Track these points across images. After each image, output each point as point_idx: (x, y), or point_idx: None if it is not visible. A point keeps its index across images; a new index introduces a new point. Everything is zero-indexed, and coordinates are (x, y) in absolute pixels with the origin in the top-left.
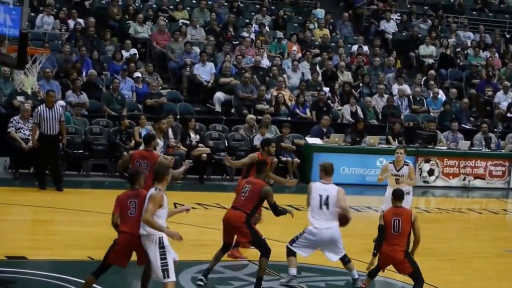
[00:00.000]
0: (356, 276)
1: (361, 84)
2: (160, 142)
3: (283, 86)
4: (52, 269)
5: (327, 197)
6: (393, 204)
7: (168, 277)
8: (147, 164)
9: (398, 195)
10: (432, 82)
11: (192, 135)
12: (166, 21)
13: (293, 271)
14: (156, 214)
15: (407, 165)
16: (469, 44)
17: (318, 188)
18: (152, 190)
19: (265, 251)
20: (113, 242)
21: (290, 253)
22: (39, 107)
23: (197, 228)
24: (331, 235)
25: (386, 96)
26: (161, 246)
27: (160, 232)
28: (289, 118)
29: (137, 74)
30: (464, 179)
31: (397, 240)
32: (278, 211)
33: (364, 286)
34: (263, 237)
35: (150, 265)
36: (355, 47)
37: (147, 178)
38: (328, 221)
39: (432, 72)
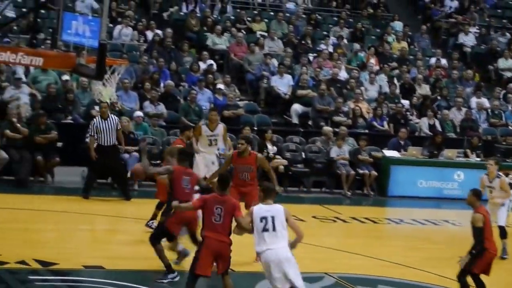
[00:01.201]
0: None
1: (439, 97)
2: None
3: (361, 98)
4: (130, 279)
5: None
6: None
7: None
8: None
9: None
10: (510, 95)
11: (269, 146)
12: (244, 32)
13: None
14: None
15: (499, 177)
16: None
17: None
18: (282, 207)
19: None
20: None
21: None
22: (94, 119)
23: None
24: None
25: (464, 109)
26: None
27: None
28: (366, 131)
29: (219, 85)
30: None
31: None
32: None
33: None
34: None
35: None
36: (433, 60)
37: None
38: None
39: (511, 85)
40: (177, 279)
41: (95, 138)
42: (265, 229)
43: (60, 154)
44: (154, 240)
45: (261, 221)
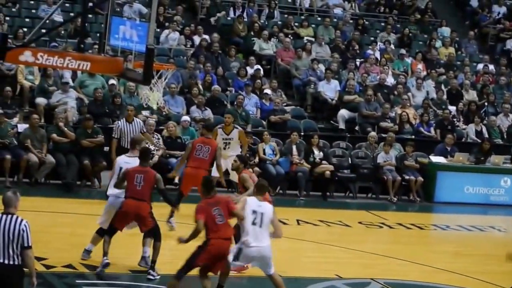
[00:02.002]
0: None
1: (486, 103)
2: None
3: (408, 104)
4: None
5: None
6: None
7: None
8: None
9: None
10: None
11: (316, 152)
12: (291, 38)
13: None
14: None
15: None
16: None
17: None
18: (270, 206)
19: (159, 236)
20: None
21: None
22: (119, 122)
23: (318, 245)
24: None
25: (511, 115)
26: None
27: None
28: (413, 136)
29: (266, 90)
30: None
31: None
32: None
33: None
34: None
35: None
36: (480, 66)
37: None
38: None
39: None
40: None
41: (118, 141)
42: (254, 223)
43: (106, 158)
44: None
45: (252, 213)
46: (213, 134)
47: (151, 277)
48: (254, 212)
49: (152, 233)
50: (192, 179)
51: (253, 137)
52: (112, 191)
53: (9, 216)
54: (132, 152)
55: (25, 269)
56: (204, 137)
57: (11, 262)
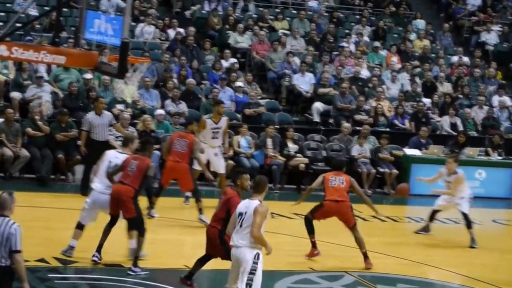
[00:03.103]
0: None
1: (460, 96)
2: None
3: (382, 96)
4: (149, 277)
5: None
6: None
7: None
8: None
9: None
10: None
11: (290, 145)
12: (266, 31)
13: None
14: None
15: (456, 173)
16: None
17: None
18: (256, 204)
19: (143, 230)
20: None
21: None
22: (88, 115)
23: (293, 238)
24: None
25: (486, 107)
26: (255, 262)
27: (261, 246)
28: (387, 129)
29: (239, 83)
30: None
31: None
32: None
33: None
34: (143, 217)
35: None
36: (455, 58)
37: None
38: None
39: None
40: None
41: (88, 133)
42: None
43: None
44: None
45: (238, 216)
46: (200, 124)
47: (131, 273)
48: (240, 214)
49: (136, 225)
50: (172, 172)
51: (228, 130)
52: (96, 185)
53: (1, 218)
54: (123, 149)
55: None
56: (182, 132)
57: (2, 264)
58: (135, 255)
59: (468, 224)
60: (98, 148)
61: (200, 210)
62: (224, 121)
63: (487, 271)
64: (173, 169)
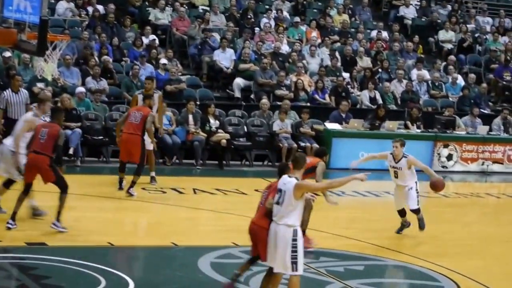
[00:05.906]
0: None
1: (380, 70)
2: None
3: (302, 71)
4: (72, 255)
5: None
6: None
7: (296, 270)
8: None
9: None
10: (451, 67)
11: (212, 121)
12: (186, 7)
13: None
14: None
15: (406, 157)
16: (488, 29)
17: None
18: (294, 182)
19: (66, 188)
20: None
21: None
22: (5, 92)
23: (216, 214)
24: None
25: (405, 81)
26: (295, 239)
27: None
28: (308, 104)
29: (162, 60)
30: (482, 164)
31: None
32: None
33: None
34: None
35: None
36: (374, 33)
37: None
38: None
39: (451, 57)
40: None
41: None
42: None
43: None
44: None
45: (277, 192)
46: (132, 100)
47: (54, 226)
48: (279, 191)
49: (59, 186)
50: (126, 144)
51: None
52: (7, 140)
53: None
54: (36, 110)
55: None
56: (140, 106)
57: None
58: (58, 211)
59: (421, 224)
60: (14, 126)
61: (133, 183)
62: (156, 97)
63: (407, 242)
64: (127, 140)
